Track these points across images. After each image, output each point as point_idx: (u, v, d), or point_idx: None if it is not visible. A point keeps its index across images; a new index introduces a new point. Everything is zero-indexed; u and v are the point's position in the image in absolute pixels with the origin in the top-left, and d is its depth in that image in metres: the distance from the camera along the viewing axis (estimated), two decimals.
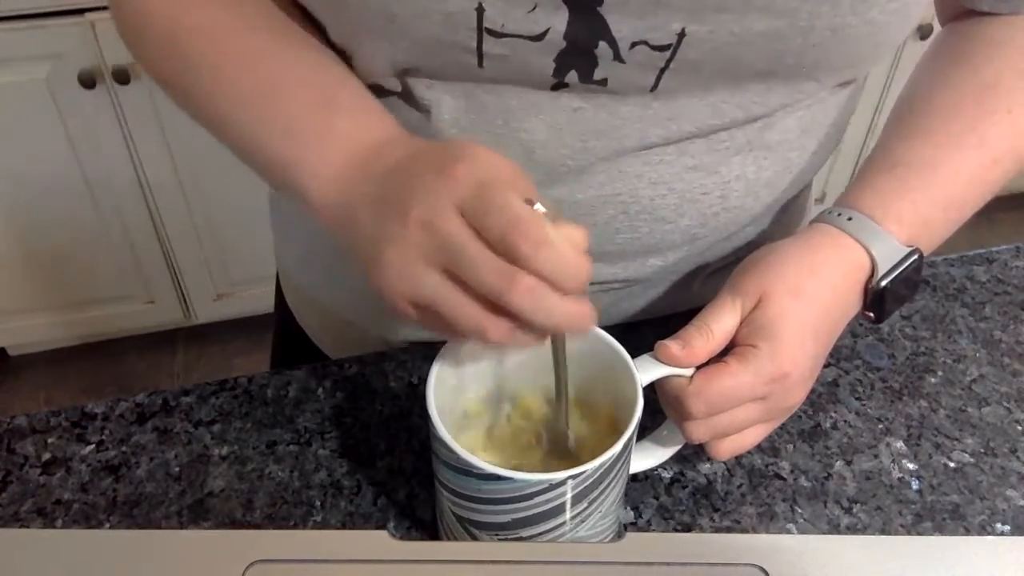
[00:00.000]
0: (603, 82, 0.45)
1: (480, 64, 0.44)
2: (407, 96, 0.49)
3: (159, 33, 0.48)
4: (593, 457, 0.40)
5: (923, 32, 1.47)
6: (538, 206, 0.37)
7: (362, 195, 0.42)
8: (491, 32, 0.42)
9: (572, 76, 0.45)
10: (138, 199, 1.54)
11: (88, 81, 1.36)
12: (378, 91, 0.50)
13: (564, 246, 0.36)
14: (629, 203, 0.51)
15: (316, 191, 0.44)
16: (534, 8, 0.41)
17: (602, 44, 0.43)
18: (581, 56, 0.43)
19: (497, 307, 0.37)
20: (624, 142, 0.48)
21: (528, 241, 0.35)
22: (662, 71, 0.44)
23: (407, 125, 0.50)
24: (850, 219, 0.47)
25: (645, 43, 0.42)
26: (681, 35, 0.42)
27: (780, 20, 0.41)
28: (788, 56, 0.44)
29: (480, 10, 0.41)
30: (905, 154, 0.50)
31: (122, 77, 1.35)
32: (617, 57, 0.43)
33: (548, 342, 0.41)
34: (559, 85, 0.46)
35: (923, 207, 0.48)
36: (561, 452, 0.46)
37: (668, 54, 0.43)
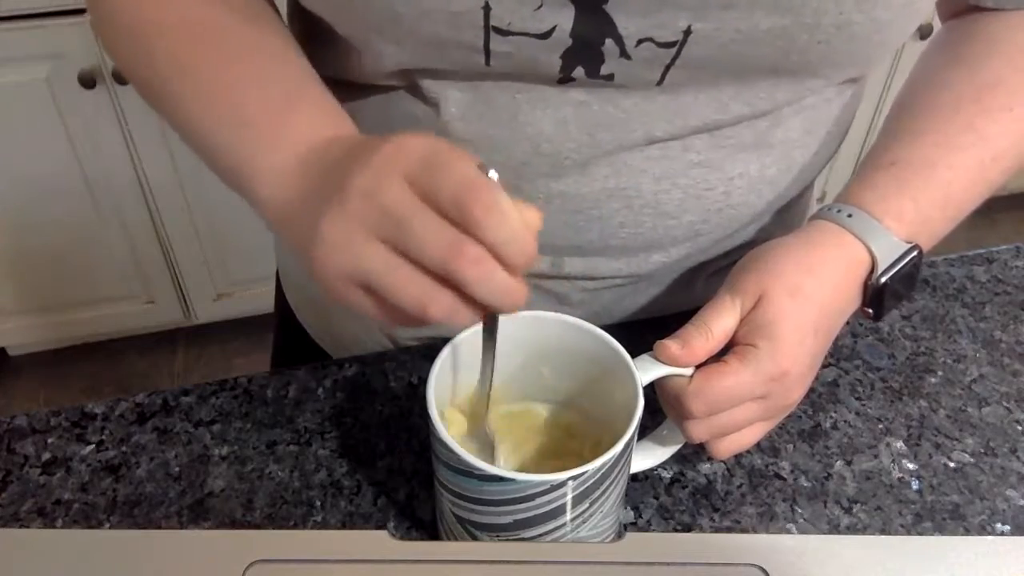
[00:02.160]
0: (609, 77, 0.45)
1: (487, 62, 0.44)
2: (414, 90, 0.49)
3: (125, 30, 0.48)
4: (591, 460, 0.40)
5: (923, 32, 1.47)
6: (492, 173, 0.35)
7: (303, 189, 0.41)
8: (498, 31, 0.42)
9: (579, 72, 0.45)
10: (138, 199, 1.54)
11: (88, 81, 1.36)
12: (385, 87, 0.50)
13: (518, 217, 0.34)
14: (633, 197, 0.51)
15: (262, 192, 0.43)
16: (540, 6, 0.41)
17: (608, 41, 0.43)
18: (587, 53, 0.44)
19: (439, 283, 0.35)
20: (629, 136, 0.48)
21: (480, 204, 0.33)
22: (668, 67, 0.44)
23: (414, 119, 0.50)
24: (850, 216, 0.47)
25: (651, 40, 0.43)
26: (687, 32, 0.42)
27: (786, 17, 0.41)
28: (794, 53, 0.44)
29: (487, 9, 0.41)
30: (905, 152, 0.50)
31: (122, 77, 1.35)
32: (623, 54, 0.43)
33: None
34: (565, 80, 0.46)
35: (923, 204, 0.48)
36: (480, 439, 0.46)
37: (674, 51, 0.43)
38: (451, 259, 0.34)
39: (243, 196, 0.45)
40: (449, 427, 0.47)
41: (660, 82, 0.46)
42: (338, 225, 0.36)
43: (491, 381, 0.42)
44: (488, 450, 0.46)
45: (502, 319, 0.44)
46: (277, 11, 0.51)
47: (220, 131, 0.45)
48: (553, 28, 0.42)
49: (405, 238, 0.35)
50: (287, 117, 0.44)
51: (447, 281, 0.35)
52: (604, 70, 0.45)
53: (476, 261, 0.34)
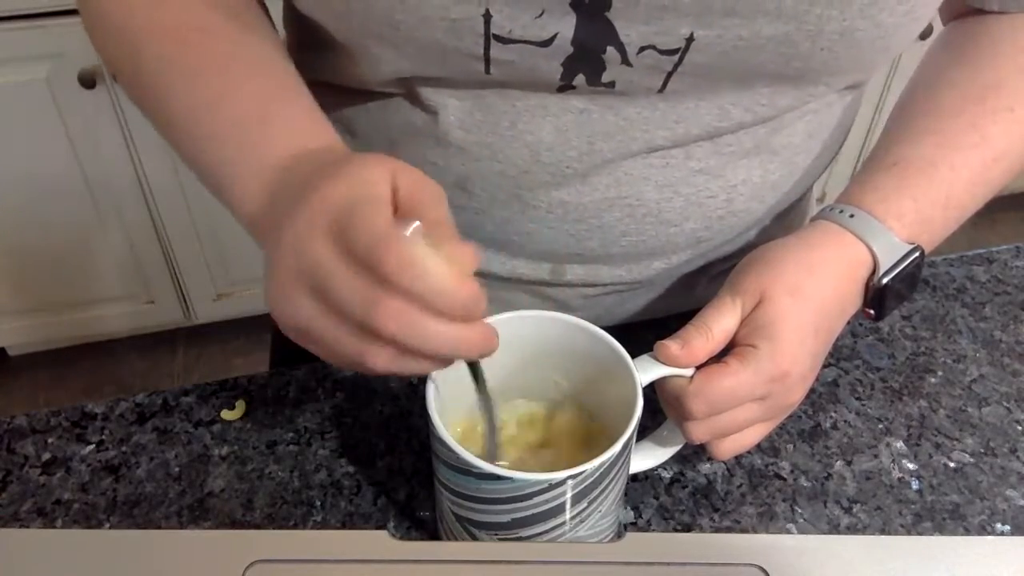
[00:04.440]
0: (611, 84, 0.45)
1: (487, 70, 0.44)
2: (413, 98, 0.49)
3: (115, 32, 0.48)
4: (590, 460, 0.40)
5: (924, 33, 1.47)
6: (415, 224, 0.34)
7: (267, 215, 0.41)
8: (498, 38, 0.42)
9: (579, 80, 0.45)
10: (138, 199, 1.54)
11: (88, 81, 1.36)
12: (384, 93, 0.50)
13: (438, 267, 0.34)
14: (635, 206, 0.50)
15: (239, 207, 0.43)
16: (541, 14, 0.41)
17: (610, 49, 0.43)
18: (589, 61, 0.43)
19: (374, 336, 0.35)
20: (630, 144, 0.48)
21: (390, 260, 0.33)
22: (670, 74, 0.44)
23: (414, 127, 0.50)
24: (852, 216, 0.47)
25: (653, 47, 0.42)
26: (689, 39, 0.42)
27: (789, 24, 0.41)
28: (796, 60, 0.43)
29: (487, 16, 0.41)
30: (906, 152, 0.50)
31: None
32: (625, 61, 0.43)
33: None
34: (566, 87, 0.46)
35: (924, 205, 0.48)
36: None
37: (676, 58, 0.43)
38: (370, 315, 0.34)
39: (222, 202, 0.45)
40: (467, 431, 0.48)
41: (661, 89, 0.45)
42: (278, 279, 0.36)
43: (493, 425, 0.42)
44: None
45: (502, 318, 0.44)
46: (269, 17, 0.51)
47: (198, 140, 0.45)
48: (554, 36, 0.42)
49: (328, 293, 0.35)
50: (261, 129, 0.43)
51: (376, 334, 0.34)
52: (605, 77, 0.44)
53: (396, 315, 0.33)
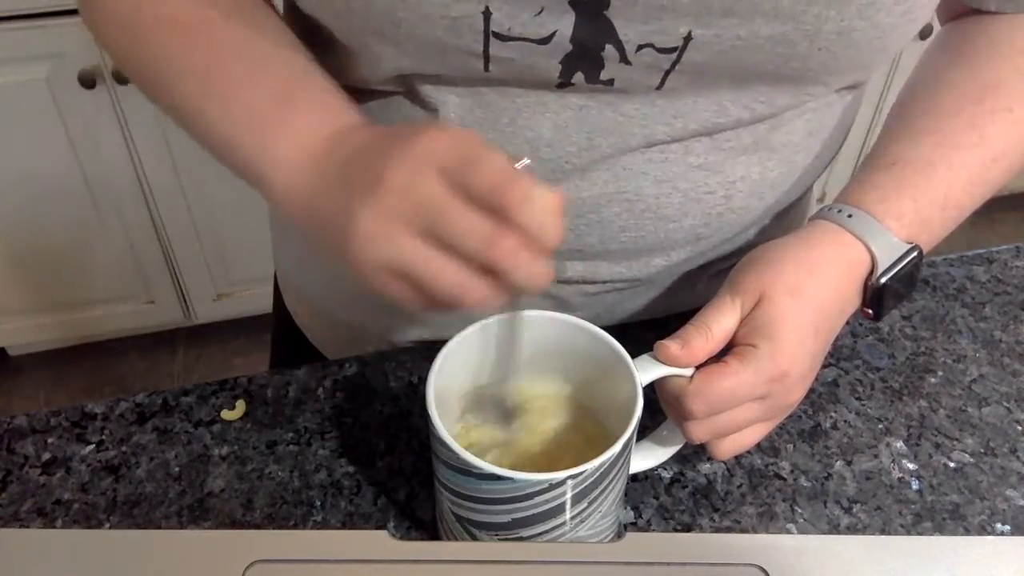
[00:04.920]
0: (609, 82, 0.45)
1: (486, 68, 0.44)
2: (413, 95, 0.49)
3: (124, 22, 0.48)
4: (590, 459, 0.40)
5: (923, 32, 1.47)
6: (525, 161, 0.37)
7: (327, 180, 0.41)
8: (498, 36, 0.42)
9: (578, 77, 0.45)
10: (138, 199, 1.54)
11: (88, 81, 1.36)
12: (383, 92, 0.50)
13: (547, 203, 0.36)
14: (634, 201, 0.51)
15: (280, 182, 0.43)
16: (541, 11, 0.41)
17: (608, 47, 0.43)
18: (587, 59, 0.44)
19: (475, 271, 0.37)
20: (629, 140, 0.48)
21: (517, 195, 0.35)
22: (668, 72, 0.44)
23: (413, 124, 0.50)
24: (850, 216, 0.47)
25: (651, 46, 0.43)
26: (687, 38, 0.42)
27: (786, 24, 0.41)
28: (794, 60, 0.44)
29: (487, 14, 0.41)
30: (905, 152, 0.50)
31: (122, 77, 1.35)
32: (623, 59, 0.43)
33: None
34: (564, 85, 0.46)
35: (922, 205, 0.48)
36: (503, 415, 0.47)
37: (674, 56, 0.43)
38: (490, 249, 0.36)
39: (257, 190, 0.45)
40: (467, 431, 0.48)
41: (660, 87, 0.45)
42: (375, 219, 0.37)
43: (518, 358, 0.44)
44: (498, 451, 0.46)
45: (503, 318, 0.44)
46: (275, 9, 0.51)
47: (224, 127, 0.46)
48: (553, 34, 0.42)
49: (444, 230, 0.36)
50: (287, 109, 0.44)
51: (482, 268, 0.36)
52: (604, 75, 0.45)
53: (514, 251, 0.36)
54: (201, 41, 0.47)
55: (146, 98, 0.50)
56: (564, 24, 0.42)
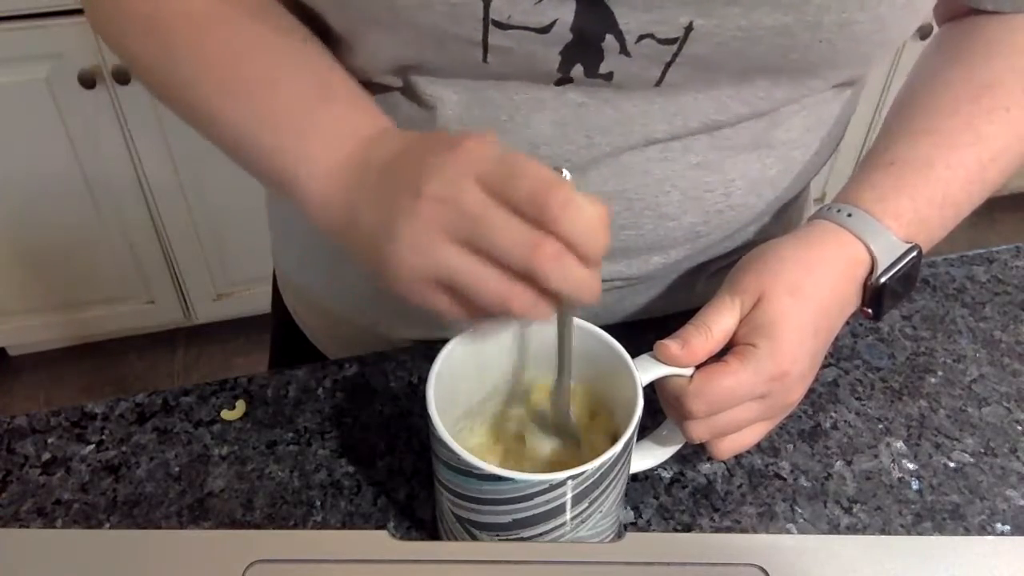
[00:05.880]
0: (608, 76, 0.45)
1: (485, 58, 0.44)
2: (410, 92, 0.49)
3: (139, 19, 0.47)
4: (594, 458, 0.40)
5: (923, 32, 1.47)
6: (565, 173, 0.37)
7: (363, 187, 0.41)
8: (497, 24, 0.42)
9: (577, 70, 0.45)
10: (138, 199, 1.54)
11: (88, 81, 1.36)
12: (380, 87, 0.50)
13: (591, 211, 0.36)
14: (633, 199, 0.51)
15: (314, 186, 0.43)
16: (541, 0, 0.41)
17: (609, 37, 0.43)
18: (587, 49, 0.43)
19: (517, 279, 0.37)
20: (628, 138, 0.48)
21: (557, 201, 0.35)
22: (668, 65, 0.44)
23: (410, 122, 0.49)
24: (850, 215, 0.47)
25: (652, 36, 0.42)
26: (688, 28, 0.42)
27: (788, 15, 0.41)
28: (794, 52, 0.43)
29: (487, 1, 0.41)
30: (903, 152, 0.50)
31: (122, 77, 1.35)
32: (623, 50, 0.43)
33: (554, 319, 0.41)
34: (564, 80, 0.46)
35: (921, 204, 0.48)
36: (562, 431, 0.46)
37: (675, 48, 0.43)
38: (532, 257, 0.35)
39: (281, 192, 0.45)
40: (468, 431, 0.48)
41: (659, 82, 0.45)
42: (415, 229, 0.37)
43: (570, 372, 0.43)
44: (564, 441, 0.46)
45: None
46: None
47: (250, 126, 0.45)
48: (554, 22, 0.42)
49: (485, 239, 0.36)
50: (323, 111, 0.44)
51: (525, 277, 0.36)
52: (603, 68, 0.44)
53: (555, 257, 0.35)
54: (223, 37, 0.46)
55: (158, 100, 0.49)
56: (565, 12, 0.42)
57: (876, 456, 0.54)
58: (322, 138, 0.43)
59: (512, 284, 0.37)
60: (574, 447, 0.46)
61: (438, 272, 0.37)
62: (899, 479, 0.53)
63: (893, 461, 0.54)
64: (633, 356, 0.44)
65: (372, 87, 0.50)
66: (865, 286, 0.47)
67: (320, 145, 0.43)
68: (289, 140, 0.44)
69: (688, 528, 0.50)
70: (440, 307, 0.39)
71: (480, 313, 0.38)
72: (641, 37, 0.43)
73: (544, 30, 0.42)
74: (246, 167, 0.47)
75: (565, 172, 0.37)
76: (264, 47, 0.46)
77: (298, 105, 0.44)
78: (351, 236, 0.42)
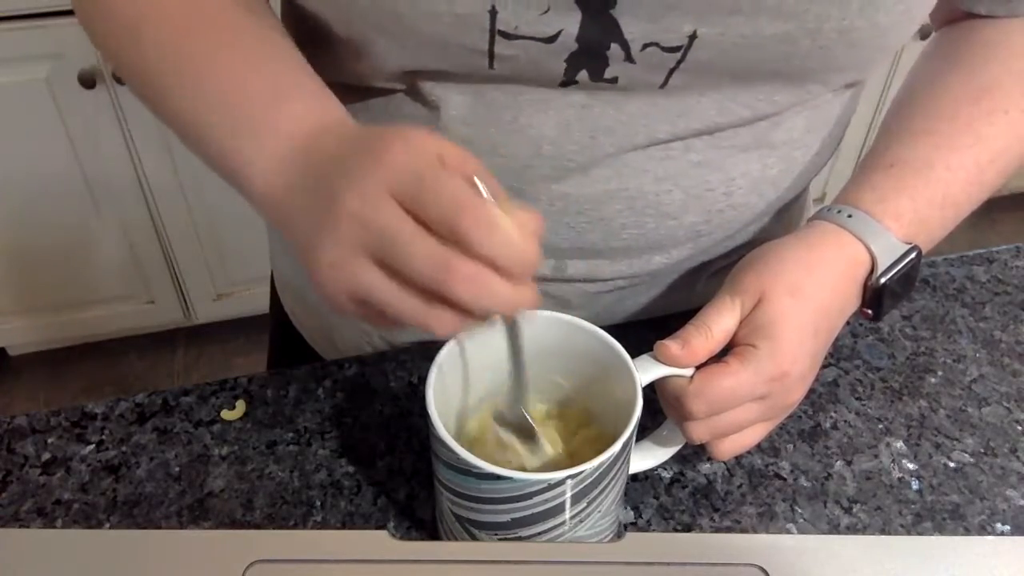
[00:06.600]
0: (613, 80, 0.45)
1: (491, 66, 0.44)
2: (414, 93, 0.49)
3: (119, 19, 0.48)
4: (591, 458, 0.40)
5: (923, 32, 1.47)
6: (482, 188, 0.35)
7: (298, 188, 0.40)
8: (503, 34, 0.42)
9: (582, 76, 0.45)
10: (138, 199, 1.54)
11: (88, 81, 1.36)
12: (384, 89, 0.50)
13: (512, 229, 0.35)
14: (635, 198, 0.51)
15: (257, 184, 0.42)
16: (547, 10, 0.41)
17: (614, 46, 0.43)
18: (592, 57, 0.44)
19: (435, 299, 0.35)
20: (632, 138, 0.48)
21: (469, 219, 0.33)
22: (672, 71, 0.44)
23: (414, 121, 0.50)
24: (850, 216, 0.47)
25: (656, 45, 0.43)
26: (692, 37, 0.42)
27: (789, 23, 0.42)
28: (796, 58, 0.44)
29: (493, 12, 0.41)
30: (903, 153, 0.50)
31: None
32: (628, 58, 0.43)
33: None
34: (568, 83, 0.46)
35: (921, 205, 0.48)
36: (525, 434, 0.46)
37: (679, 55, 0.43)
38: (444, 280, 0.34)
39: (235, 186, 0.44)
40: (468, 430, 0.47)
41: (663, 85, 0.46)
42: (333, 247, 0.36)
43: (524, 377, 0.42)
44: (504, 450, 0.46)
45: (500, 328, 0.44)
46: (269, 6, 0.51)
47: (209, 120, 0.45)
48: (559, 32, 0.42)
49: (398, 259, 0.35)
50: (278, 105, 0.43)
51: (443, 296, 0.35)
52: (608, 74, 0.45)
53: (469, 278, 0.34)
54: (190, 33, 0.46)
55: (139, 99, 0.49)
56: (570, 23, 0.42)
57: (876, 456, 0.54)
58: (265, 138, 0.42)
59: (429, 306, 0.35)
60: (541, 446, 0.46)
61: (357, 289, 0.36)
62: (899, 479, 0.53)
63: (893, 461, 0.54)
64: (633, 356, 0.44)
65: (375, 89, 0.51)
66: (865, 286, 0.47)
67: (262, 144, 0.42)
68: (237, 140, 0.43)
69: (688, 528, 0.50)
70: (365, 319, 0.38)
71: (403, 326, 0.37)
72: (646, 45, 0.43)
73: (550, 40, 0.43)
74: (204, 162, 0.47)
75: (482, 187, 0.35)
76: (224, 45, 0.46)
77: (249, 106, 0.44)
78: (288, 234, 0.41)
